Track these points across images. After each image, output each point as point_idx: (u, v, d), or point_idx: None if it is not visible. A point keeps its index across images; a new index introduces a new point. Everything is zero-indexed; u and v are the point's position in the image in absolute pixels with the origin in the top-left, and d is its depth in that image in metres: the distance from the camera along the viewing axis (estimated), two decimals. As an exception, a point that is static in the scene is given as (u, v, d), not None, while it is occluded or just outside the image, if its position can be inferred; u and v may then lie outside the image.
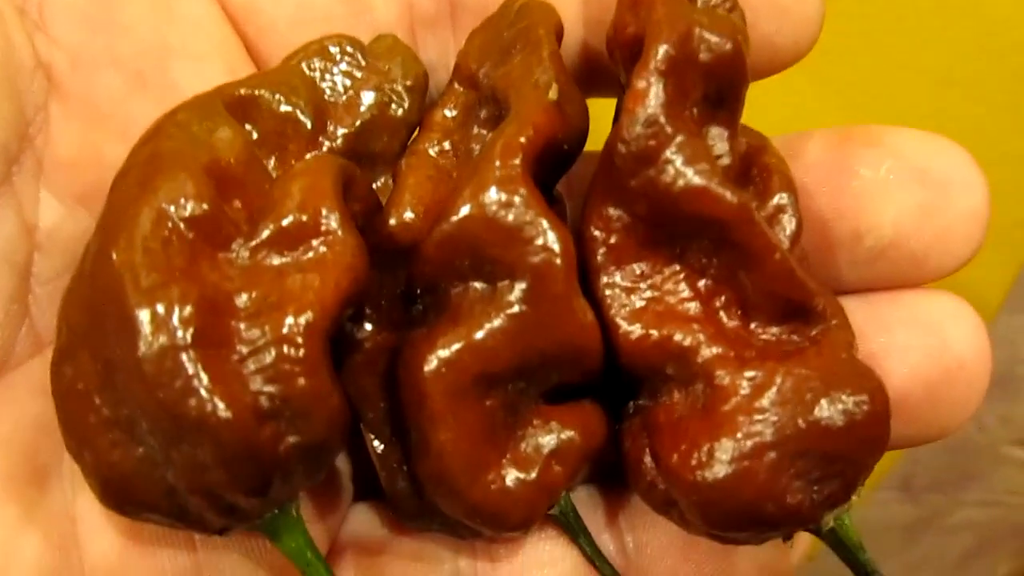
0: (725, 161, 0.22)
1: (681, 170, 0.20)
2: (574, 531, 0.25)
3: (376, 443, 0.24)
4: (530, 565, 0.25)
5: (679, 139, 0.20)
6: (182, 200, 0.20)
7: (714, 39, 0.21)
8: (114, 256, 0.19)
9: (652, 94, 0.20)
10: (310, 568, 0.22)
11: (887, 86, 0.46)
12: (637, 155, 0.20)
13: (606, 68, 0.25)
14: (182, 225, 0.20)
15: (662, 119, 0.20)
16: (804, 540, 0.26)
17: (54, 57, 0.24)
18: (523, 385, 0.22)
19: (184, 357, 0.18)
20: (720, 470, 0.20)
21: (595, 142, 0.25)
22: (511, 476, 0.22)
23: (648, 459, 0.22)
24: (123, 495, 0.20)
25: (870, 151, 0.24)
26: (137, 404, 0.19)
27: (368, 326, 0.24)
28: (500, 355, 0.21)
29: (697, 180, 0.20)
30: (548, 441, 0.23)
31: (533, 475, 0.23)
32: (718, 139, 0.22)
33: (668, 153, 0.20)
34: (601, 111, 0.25)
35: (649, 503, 0.23)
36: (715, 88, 0.21)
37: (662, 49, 0.20)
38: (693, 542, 0.24)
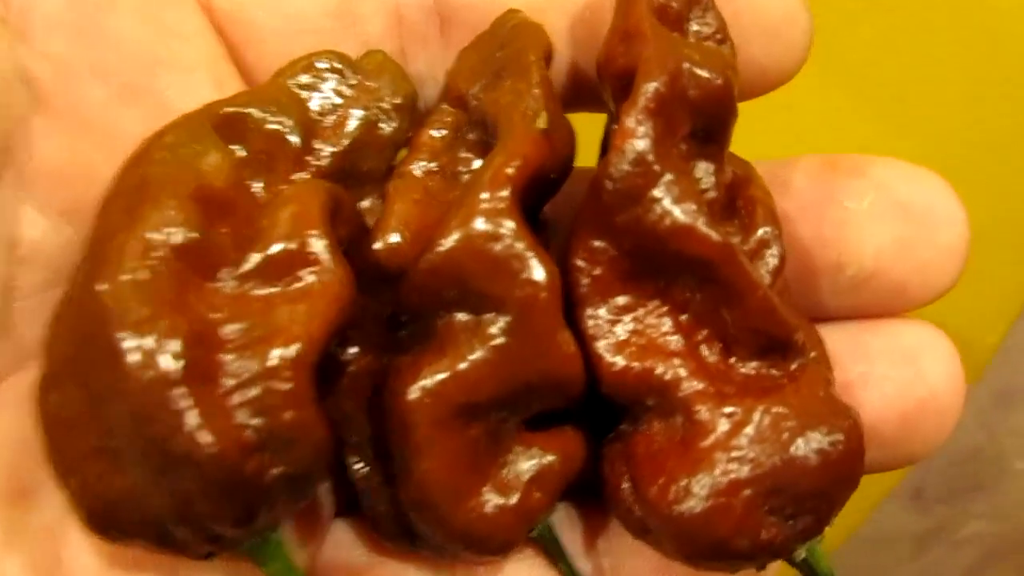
0: (711, 195, 0.22)
1: (668, 209, 0.21)
2: (553, 554, 0.25)
3: (358, 465, 0.24)
4: None
5: (667, 178, 0.21)
6: (170, 228, 0.20)
7: (704, 75, 0.21)
8: (101, 288, 0.19)
9: (641, 133, 0.20)
10: (293, 588, 0.22)
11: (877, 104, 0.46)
12: (624, 192, 0.21)
13: (593, 85, 0.25)
14: (170, 254, 0.20)
15: (650, 157, 0.20)
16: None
17: (37, 68, 0.23)
18: (505, 414, 0.22)
19: (173, 392, 0.18)
20: (696, 505, 0.20)
21: (583, 158, 0.25)
22: (492, 503, 0.23)
23: (626, 486, 0.22)
24: (109, 522, 0.20)
25: (854, 182, 0.24)
26: (124, 436, 0.19)
27: (353, 349, 0.24)
28: (484, 386, 0.21)
29: (683, 219, 0.21)
30: (529, 467, 0.23)
31: (513, 501, 0.23)
32: (705, 173, 0.22)
33: (655, 192, 0.21)
34: (588, 125, 0.26)
35: (626, 527, 0.23)
36: (703, 123, 0.22)
37: (652, 87, 0.20)
38: (669, 565, 0.25)
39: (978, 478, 0.52)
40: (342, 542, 0.26)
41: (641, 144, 0.20)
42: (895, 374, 0.24)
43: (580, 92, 0.27)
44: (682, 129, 0.21)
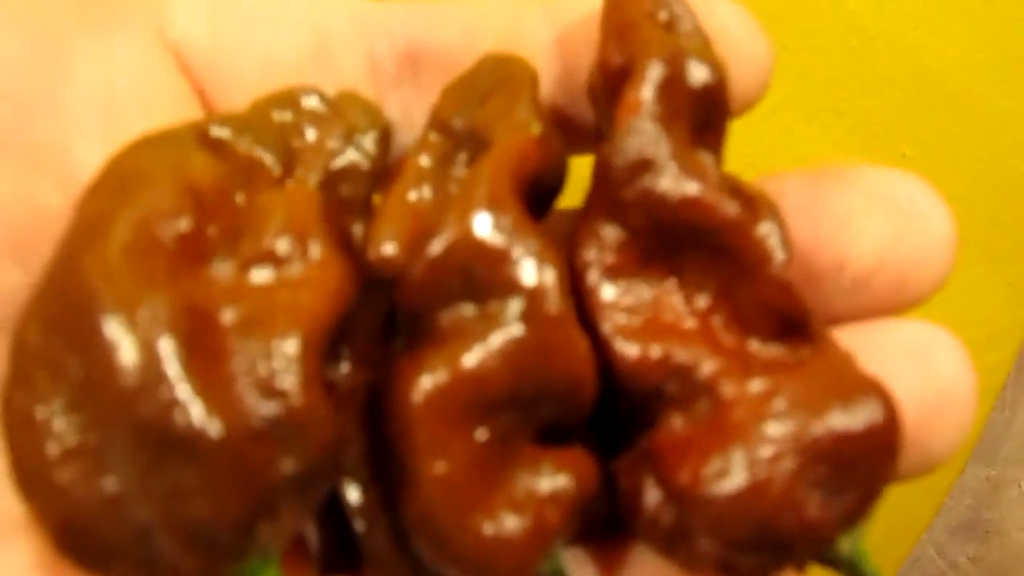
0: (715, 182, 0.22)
1: (678, 177, 0.20)
2: (564, 594, 0.23)
3: (353, 490, 0.22)
4: None
5: (675, 147, 0.20)
6: (162, 212, 0.18)
7: (701, 64, 0.21)
8: (87, 263, 0.17)
9: (646, 103, 0.20)
10: (288, 633, 0.20)
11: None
12: (633, 163, 0.20)
13: (577, 125, 0.25)
14: (162, 236, 0.18)
15: (657, 126, 0.20)
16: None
17: None
18: (516, 415, 0.21)
19: (170, 366, 0.17)
20: (737, 481, 0.19)
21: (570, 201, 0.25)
22: (502, 519, 0.21)
23: (650, 491, 0.21)
24: (87, 538, 0.17)
25: (842, 185, 0.25)
26: (111, 424, 0.17)
27: (344, 366, 0.22)
28: (494, 378, 0.20)
29: (694, 186, 0.20)
30: (542, 484, 0.21)
31: (527, 520, 0.21)
32: (707, 162, 0.22)
33: (664, 160, 0.20)
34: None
35: (652, 542, 0.21)
36: (701, 115, 0.22)
37: (654, 64, 0.21)
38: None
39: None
40: None
41: (647, 114, 0.20)
42: (909, 370, 0.23)
43: (563, 133, 0.27)
44: (683, 114, 0.21)
